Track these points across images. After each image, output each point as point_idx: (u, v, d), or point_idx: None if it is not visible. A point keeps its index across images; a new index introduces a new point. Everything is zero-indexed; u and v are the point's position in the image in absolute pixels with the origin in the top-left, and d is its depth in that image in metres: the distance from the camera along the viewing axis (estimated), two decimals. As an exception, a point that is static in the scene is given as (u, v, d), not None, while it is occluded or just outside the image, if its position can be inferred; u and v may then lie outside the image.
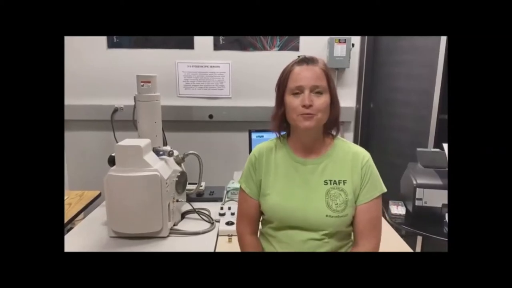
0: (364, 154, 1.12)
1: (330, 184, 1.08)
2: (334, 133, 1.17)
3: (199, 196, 2.02)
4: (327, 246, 1.09)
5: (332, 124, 1.12)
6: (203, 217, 1.75)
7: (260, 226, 1.24)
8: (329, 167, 1.11)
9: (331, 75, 1.07)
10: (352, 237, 1.17)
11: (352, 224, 1.12)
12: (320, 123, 1.07)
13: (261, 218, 1.23)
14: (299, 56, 1.10)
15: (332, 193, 1.08)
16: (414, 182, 1.76)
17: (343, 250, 1.14)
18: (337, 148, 1.13)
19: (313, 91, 1.03)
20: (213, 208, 1.84)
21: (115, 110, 2.22)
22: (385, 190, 1.11)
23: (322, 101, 1.04)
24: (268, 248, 1.17)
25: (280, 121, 1.12)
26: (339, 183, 1.08)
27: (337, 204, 1.06)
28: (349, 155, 1.11)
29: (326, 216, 1.06)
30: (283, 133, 1.18)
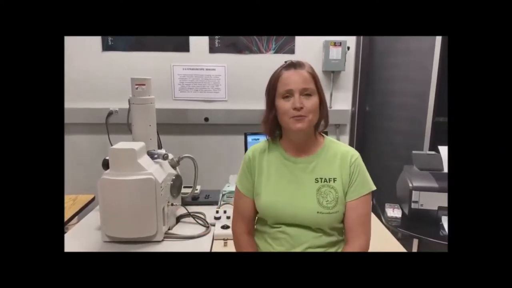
0: (352, 153, 1.15)
1: (321, 182, 1.12)
2: (324, 132, 1.20)
3: (194, 200, 2.01)
4: (321, 241, 1.12)
5: (322, 123, 1.16)
6: (198, 221, 1.74)
7: (256, 225, 1.26)
8: (319, 165, 1.14)
9: (317, 77, 1.12)
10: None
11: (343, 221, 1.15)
12: (311, 124, 1.11)
13: (257, 216, 1.25)
14: (285, 62, 1.13)
15: (323, 190, 1.11)
16: (410, 185, 1.76)
17: (337, 246, 1.16)
18: (327, 148, 1.17)
19: (302, 94, 1.07)
20: (208, 211, 1.82)
21: (110, 113, 2.20)
22: (373, 188, 1.14)
23: (312, 102, 1.08)
24: (264, 246, 1.18)
25: (272, 124, 1.16)
26: (329, 180, 1.12)
27: (327, 201, 1.10)
28: (338, 154, 1.15)
29: (318, 212, 1.09)
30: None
